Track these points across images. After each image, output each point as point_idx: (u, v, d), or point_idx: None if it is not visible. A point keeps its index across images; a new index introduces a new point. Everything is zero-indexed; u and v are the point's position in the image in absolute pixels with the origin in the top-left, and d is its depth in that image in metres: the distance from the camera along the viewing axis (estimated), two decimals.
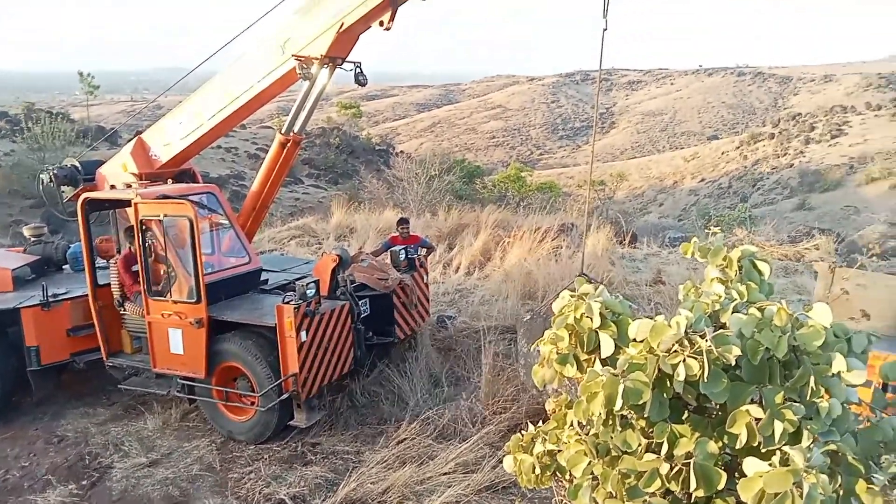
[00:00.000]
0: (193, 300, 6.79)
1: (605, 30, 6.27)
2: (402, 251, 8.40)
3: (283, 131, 7.75)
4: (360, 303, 7.48)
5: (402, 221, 9.62)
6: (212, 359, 6.89)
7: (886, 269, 12.04)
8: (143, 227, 6.94)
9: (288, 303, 6.48)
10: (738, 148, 73.08)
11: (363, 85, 7.56)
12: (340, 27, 6.78)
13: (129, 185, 7.74)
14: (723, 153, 74.85)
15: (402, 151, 49.35)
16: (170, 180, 7.95)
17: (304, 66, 6.97)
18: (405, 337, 8.25)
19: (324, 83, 7.25)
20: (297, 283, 6.88)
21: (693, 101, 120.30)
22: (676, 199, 62.97)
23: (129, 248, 7.48)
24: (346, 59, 7.26)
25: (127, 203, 7.18)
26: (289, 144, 7.75)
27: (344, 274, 7.40)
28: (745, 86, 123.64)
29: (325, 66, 7.10)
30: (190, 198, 7.01)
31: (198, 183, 8.33)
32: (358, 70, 7.33)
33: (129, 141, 8.25)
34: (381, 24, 6.81)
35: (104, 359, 7.61)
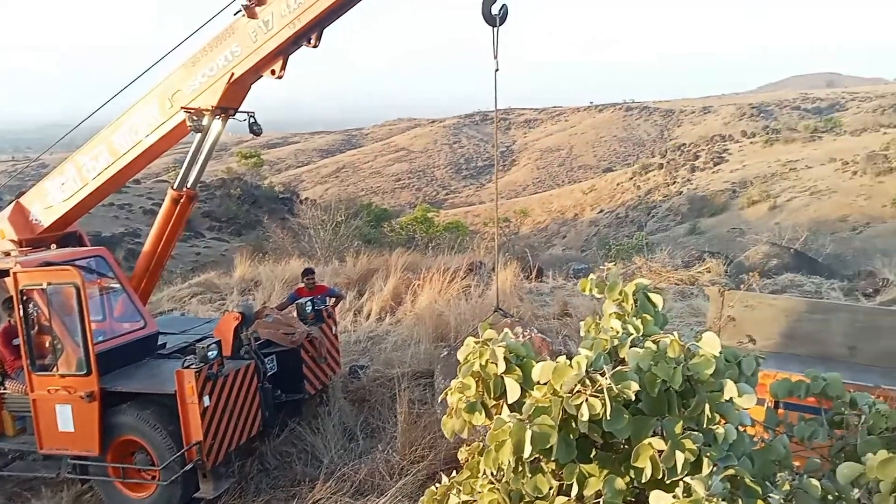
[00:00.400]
0: (83, 372, 6.36)
1: (497, 70, 6.54)
2: (309, 303, 8.22)
3: (175, 186, 7.49)
4: (265, 360, 7.23)
5: (308, 272, 9.41)
6: (106, 434, 6.44)
7: (771, 286, 12.89)
8: (25, 298, 6.52)
9: (188, 367, 6.16)
10: (632, 178, 77.10)
11: (258, 134, 7.50)
12: (230, 77, 6.69)
13: (7, 254, 7.23)
14: (618, 184, 78.67)
15: (306, 198, 48.74)
16: (53, 245, 7.47)
17: (195, 117, 6.81)
18: (316, 392, 8.02)
19: (217, 134, 7.11)
20: (197, 344, 6.58)
21: (587, 136, 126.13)
22: (578, 230, 65.39)
23: (9, 320, 7.00)
24: (239, 109, 7.14)
25: (5, 273, 6.72)
26: (182, 200, 7.48)
27: (248, 331, 7.15)
28: (633, 120, 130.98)
29: (217, 116, 6.97)
30: (76, 263, 6.65)
31: (85, 246, 7.90)
32: (252, 119, 7.25)
33: (8, 205, 7.74)
34: (273, 72, 6.78)
35: None
